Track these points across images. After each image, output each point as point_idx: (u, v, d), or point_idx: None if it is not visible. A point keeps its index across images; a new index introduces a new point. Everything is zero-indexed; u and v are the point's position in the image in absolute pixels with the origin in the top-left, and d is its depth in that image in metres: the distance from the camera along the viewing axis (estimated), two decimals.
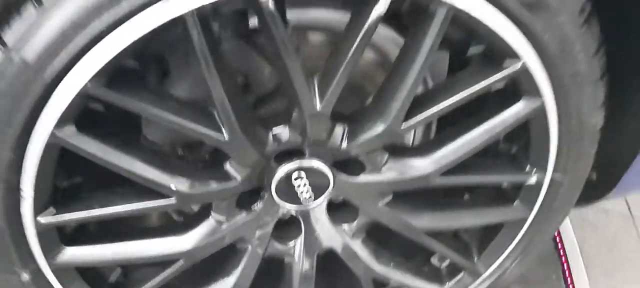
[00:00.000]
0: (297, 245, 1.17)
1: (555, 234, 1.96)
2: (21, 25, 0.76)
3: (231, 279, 1.14)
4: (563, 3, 0.88)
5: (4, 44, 0.76)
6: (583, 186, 1.32)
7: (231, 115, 0.89)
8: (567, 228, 1.99)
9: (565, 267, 1.85)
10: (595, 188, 1.27)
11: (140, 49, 0.84)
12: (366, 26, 0.84)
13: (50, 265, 1.00)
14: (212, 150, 1.09)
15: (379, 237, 1.23)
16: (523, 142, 1.10)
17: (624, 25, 1.02)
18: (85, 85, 0.80)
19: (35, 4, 0.75)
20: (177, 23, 0.79)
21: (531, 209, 1.16)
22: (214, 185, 0.99)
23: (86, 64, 0.78)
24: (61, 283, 1.03)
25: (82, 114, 0.86)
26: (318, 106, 0.92)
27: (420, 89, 1.17)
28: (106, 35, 0.77)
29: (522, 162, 1.12)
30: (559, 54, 0.92)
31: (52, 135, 0.84)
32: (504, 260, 1.25)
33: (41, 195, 0.91)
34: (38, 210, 0.93)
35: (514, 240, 1.22)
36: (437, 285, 1.29)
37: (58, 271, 1.01)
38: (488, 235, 1.25)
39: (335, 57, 0.89)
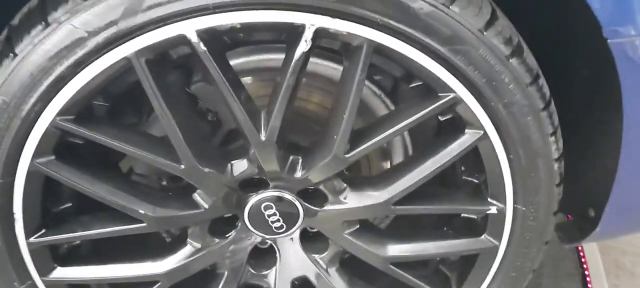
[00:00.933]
0: (272, 273, 1.24)
1: (588, 281, 1.90)
2: (2, 72, 0.92)
3: None
4: (480, 39, 0.92)
5: None
6: (575, 222, 1.31)
7: (184, 147, 1.01)
8: (599, 275, 1.91)
9: None
10: (584, 226, 1.25)
11: (110, 90, 0.98)
12: (293, 62, 0.93)
13: (43, 281, 1.14)
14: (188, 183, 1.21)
15: (363, 272, 1.28)
16: (484, 175, 1.12)
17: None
18: (54, 119, 0.95)
19: (12, 55, 0.92)
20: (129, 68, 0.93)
21: (499, 240, 1.16)
22: (181, 212, 1.10)
23: (53, 102, 0.93)
24: None
25: (64, 146, 1.02)
26: (263, 136, 1.01)
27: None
28: (68, 77, 0.92)
29: (483, 193, 1.14)
30: (487, 86, 0.96)
31: (32, 163, 0.99)
32: None
33: (31, 218, 1.07)
34: (29, 231, 1.08)
35: (489, 272, 1.21)
36: None
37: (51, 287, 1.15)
38: (465, 268, 1.25)
39: (275, 91, 0.99)
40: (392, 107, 1.22)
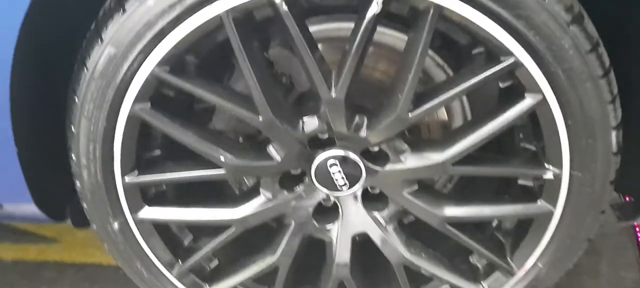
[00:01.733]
0: (335, 228, 1.34)
1: None
2: (113, 25, 1.07)
3: (275, 253, 1.34)
4: (542, 5, 0.98)
5: (101, 39, 1.08)
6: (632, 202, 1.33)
7: (263, 100, 1.12)
8: None
9: None
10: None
11: (201, 47, 1.11)
12: (364, 23, 1.03)
13: (133, 218, 1.29)
14: (263, 139, 1.33)
15: (423, 234, 1.36)
16: (541, 143, 1.18)
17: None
18: (153, 69, 1.08)
19: (122, 10, 1.06)
20: (220, 26, 1.05)
21: (554, 206, 1.21)
22: (257, 162, 1.22)
23: (153, 53, 1.07)
24: (142, 236, 1.31)
25: (158, 96, 1.16)
26: (333, 93, 1.11)
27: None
28: (167, 31, 1.05)
29: (540, 159, 1.19)
30: (547, 51, 1.02)
31: (132, 109, 1.14)
32: (537, 260, 1.29)
33: (127, 159, 1.21)
34: (125, 171, 1.23)
35: (543, 238, 1.26)
36: (471, 283, 1.36)
37: (140, 225, 1.30)
38: (520, 234, 1.30)
39: (346, 52, 1.09)
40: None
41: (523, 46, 1.02)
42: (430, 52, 1.27)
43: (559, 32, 1.01)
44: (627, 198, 1.41)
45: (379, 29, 1.17)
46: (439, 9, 1.00)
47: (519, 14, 0.99)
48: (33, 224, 2.00)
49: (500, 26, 1.01)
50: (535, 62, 1.04)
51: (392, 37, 1.26)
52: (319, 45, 1.29)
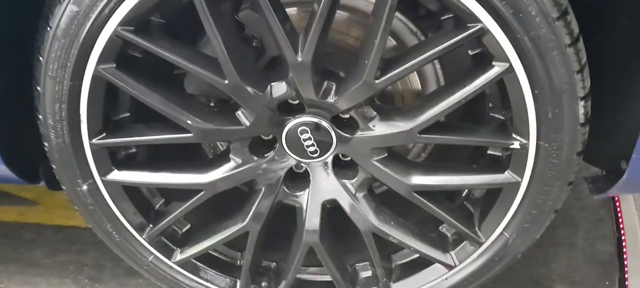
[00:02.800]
0: (305, 194, 1.34)
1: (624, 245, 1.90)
2: None
3: (246, 218, 1.34)
4: None
5: None
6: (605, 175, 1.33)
7: (229, 63, 1.11)
8: (635, 239, 1.91)
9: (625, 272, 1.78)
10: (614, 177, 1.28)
11: (167, 8, 1.10)
12: None
13: (102, 181, 1.29)
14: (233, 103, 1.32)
15: (395, 205, 1.36)
16: (510, 112, 1.17)
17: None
18: (116, 28, 1.07)
19: None
20: None
21: (521, 176, 1.21)
22: (224, 127, 1.22)
23: (117, 12, 1.06)
24: (111, 199, 1.32)
25: (124, 57, 1.14)
26: (299, 57, 1.10)
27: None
28: None
29: (508, 129, 1.18)
30: (513, 17, 1.00)
31: (97, 69, 1.12)
32: (503, 230, 1.30)
33: (94, 121, 1.21)
34: (92, 133, 1.22)
35: (509, 209, 1.26)
36: (440, 251, 1.37)
37: (109, 187, 1.30)
38: (488, 204, 1.31)
39: (312, 15, 1.07)
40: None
41: (489, 12, 1.01)
42: (404, 19, 1.26)
43: None
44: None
45: None
46: None
47: None
48: (12, 186, 2.00)
49: None
50: (502, 29, 1.03)
51: (366, 2, 1.25)
52: (291, 10, 1.29)
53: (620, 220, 1.96)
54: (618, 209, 1.98)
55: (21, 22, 1.25)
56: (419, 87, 1.35)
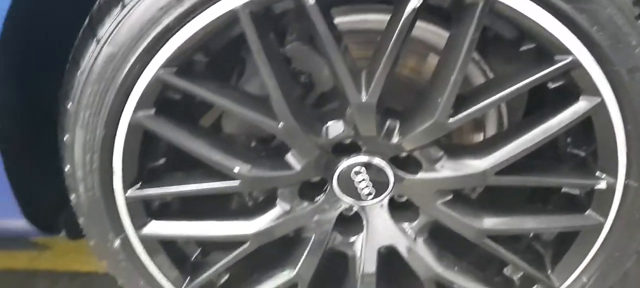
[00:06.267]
0: (359, 240, 1.22)
1: None
2: (109, 22, 0.93)
3: (295, 268, 1.22)
4: None
5: (97, 37, 0.94)
6: None
7: (284, 104, 0.99)
8: None
9: None
10: None
11: (211, 45, 0.97)
12: (403, 19, 0.89)
13: (137, 235, 1.16)
14: (279, 144, 1.20)
15: (452, 246, 1.24)
16: (592, 147, 1.06)
17: None
18: (158, 71, 0.94)
19: (121, 4, 0.91)
20: (235, 21, 0.91)
21: (606, 217, 1.09)
22: (274, 172, 1.09)
23: (159, 53, 0.93)
24: (147, 253, 1.19)
25: (163, 101, 1.02)
26: (363, 97, 0.98)
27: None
28: (174, 28, 0.91)
29: (591, 166, 1.07)
30: (612, 48, 0.89)
31: (134, 116, 1.00)
32: (580, 274, 1.18)
33: (129, 171, 1.08)
34: (126, 185, 1.09)
35: (589, 251, 1.15)
36: None
37: (144, 241, 1.17)
38: (563, 246, 1.19)
39: (378, 51, 0.95)
40: (491, 75, 1.16)
41: (584, 43, 0.90)
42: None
43: (626, 27, 0.88)
44: None
45: None
46: (491, 2, 0.87)
47: (582, 8, 0.86)
48: None
49: (559, 21, 0.88)
50: (596, 61, 0.91)
51: (421, 29, 1.13)
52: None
53: None
54: None
55: (41, 63, 1.12)
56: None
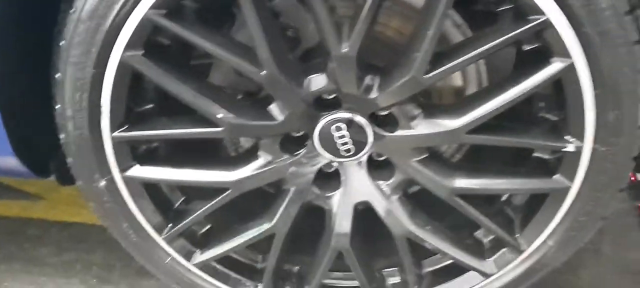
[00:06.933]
0: (336, 196, 1.26)
1: None
2: None
3: (272, 220, 1.26)
4: None
5: None
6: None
7: (268, 53, 1.03)
8: None
9: None
10: None
11: None
12: None
13: (122, 176, 1.20)
14: (264, 97, 1.23)
15: (430, 207, 1.28)
16: (563, 113, 1.10)
17: None
18: (147, 11, 0.98)
19: None
20: None
21: (572, 181, 1.13)
22: (257, 121, 1.13)
23: None
24: (131, 196, 1.23)
25: (153, 44, 1.06)
26: (344, 48, 1.02)
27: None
28: None
29: (561, 130, 1.11)
30: (582, 8, 0.93)
31: (123, 56, 1.04)
32: (547, 238, 1.22)
33: (116, 112, 1.12)
34: (113, 126, 1.13)
35: (556, 215, 1.19)
36: (476, 258, 1.29)
37: (128, 183, 1.21)
38: (532, 211, 1.23)
39: (359, 5, 0.99)
40: None
41: (557, 2, 0.93)
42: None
43: None
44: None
45: None
46: None
47: None
48: (16, 180, 1.91)
49: None
50: (568, 22, 0.95)
51: None
52: None
53: None
54: None
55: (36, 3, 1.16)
56: (459, 82, 1.28)
